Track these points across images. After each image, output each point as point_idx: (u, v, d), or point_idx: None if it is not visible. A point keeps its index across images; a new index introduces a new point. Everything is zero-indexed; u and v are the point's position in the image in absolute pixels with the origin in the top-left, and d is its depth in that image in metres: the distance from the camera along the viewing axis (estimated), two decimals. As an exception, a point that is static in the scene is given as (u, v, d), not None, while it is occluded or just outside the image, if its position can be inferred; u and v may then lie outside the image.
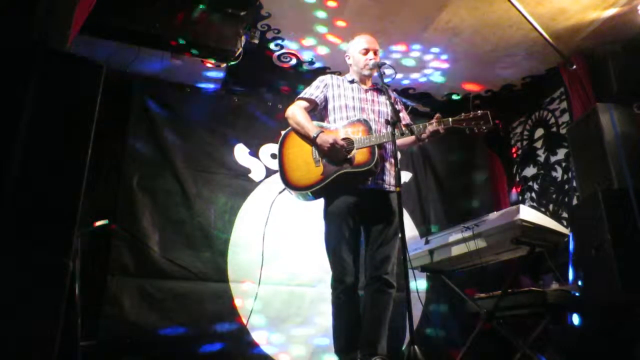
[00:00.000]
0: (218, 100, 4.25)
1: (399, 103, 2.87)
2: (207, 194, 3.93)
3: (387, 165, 2.69)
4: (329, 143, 2.55)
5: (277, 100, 4.38)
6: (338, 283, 2.55)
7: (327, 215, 2.65)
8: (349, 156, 2.56)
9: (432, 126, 2.53)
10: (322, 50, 4.15)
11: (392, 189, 2.67)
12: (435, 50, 4.15)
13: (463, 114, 2.55)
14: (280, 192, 2.75)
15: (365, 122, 2.64)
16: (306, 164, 2.63)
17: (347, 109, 2.75)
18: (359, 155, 2.56)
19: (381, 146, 2.63)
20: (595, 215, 2.90)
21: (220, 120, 4.18)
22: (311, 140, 2.63)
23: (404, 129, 2.52)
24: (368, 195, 2.61)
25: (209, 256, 3.78)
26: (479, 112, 2.54)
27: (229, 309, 3.68)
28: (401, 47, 4.13)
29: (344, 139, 2.58)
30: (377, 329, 2.48)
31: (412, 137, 2.64)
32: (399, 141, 2.52)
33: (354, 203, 2.58)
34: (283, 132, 2.79)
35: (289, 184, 2.65)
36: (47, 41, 1.60)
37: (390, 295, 2.55)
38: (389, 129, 2.44)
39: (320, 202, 2.70)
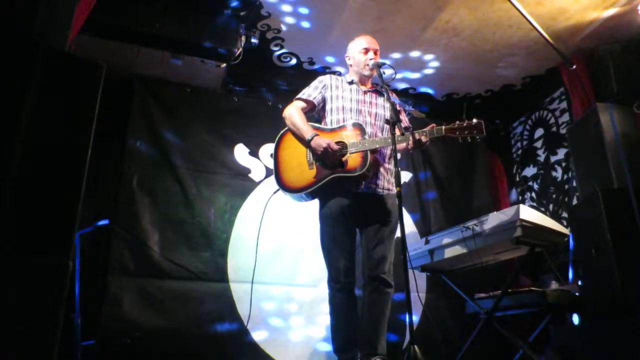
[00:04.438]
0: (218, 100, 4.25)
1: (397, 106, 2.87)
2: (207, 194, 3.93)
3: (382, 169, 2.69)
4: (322, 147, 2.55)
5: (277, 100, 4.38)
6: (334, 283, 2.57)
7: (321, 216, 2.67)
8: (342, 160, 2.56)
9: (417, 134, 2.51)
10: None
11: (386, 192, 2.67)
12: (435, 50, 4.15)
13: (457, 122, 2.53)
14: (274, 193, 2.77)
15: (360, 127, 2.63)
16: (300, 165, 2.64)
17: (345, 110, 2.75)
18: (352, 160, 2.56)
19: (375, 150, 2.62)
20: (595, 215, 2.90)
21: (220, 120, 4.18)
22: (306, 143, 2.64)
23: (403, 130, 2.52)
24: (361, 198, 2.61)
25: (209, 256, 3.78)
26: (474, 120, 2.51)
27: (229, 309, 3.68)
28: (401, 47, 4.12)
29: (337, 143, 2.58)
30: (376, 328, 2.49)
31: (404, 145, 2.62)
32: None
33: (347, 205, 2.59)
34: (280, 132, 2.79)
35: (282, 184, 2.67)
36: (47, 41, 1.60)
37: (388, 294, 2.56)
38: (385, 132, 2.43)
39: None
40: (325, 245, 2.63)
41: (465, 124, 2.50)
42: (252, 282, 2.91)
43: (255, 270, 2.95)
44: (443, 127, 2.52)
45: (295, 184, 2.62)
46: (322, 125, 2.78)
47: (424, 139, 2.50)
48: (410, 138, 2.50)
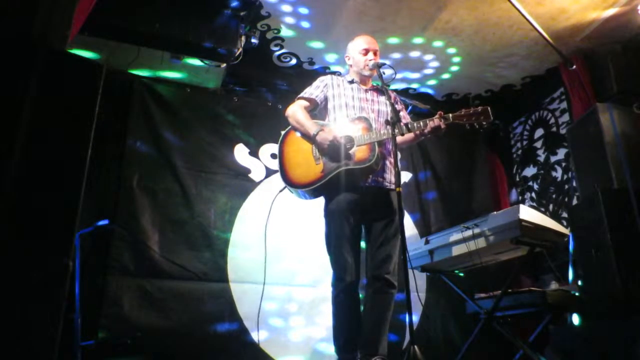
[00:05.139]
0: (218, 100, 4.25)
1: (399, 102, 2.87)
2: (207, 194, 3.93)
3: (388, 163, 2.69)
4: (328, 140, 2.55)
5: (277, 100, 4.39)
6: (339, 282, 2.54)
7: (328, 213, 2.64)
8: (349, 152, 2.56)
9: (432, 122, 2.54)
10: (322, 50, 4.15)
11: (393, 187, 2.67)
12: (435, 50, 4.15)
13: (463, 109, 2.57)
14: (280, 191, 2.75)
15: (366, 120, 2.64)
16: (306, 161, 2.63)
17: (347, 107, 2.75)
18: (359, 152, 2.56)
19: (381, 144, 2.63)
20: (595, 215, 2.90)
21: (220, 120, 4.18)
22: (311, 138, 2.63)
23: (404, 128, 2.53)
24: (369, 193, 2.61)
25: (209, 256, 3.77)
26: (479, 107, 2.55)
27: (229, 309, 3.68)
28: (401, 47, 4.12)
29: (344, 137, 2.58)
30: (378, 329, 2.48)
31: (412, 134, 2.64)
32: (399, 138, 2.52)
33: (355, 201, 2.58)
34: (283, 131, 2.79)
35: (289, 182, 2.64)
36: (47, 41, 1.60)
37: (391, 295, 2.55)
38: (389, 128, 2.44)
39: (321, 200, 2.70)
40: (331, 243, 2.60)
41: (471, 111, 2.54)
42: (264, 282, 2.91)
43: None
44: (450, 114, 2.54)
45: (303, 179, 2.61)
46: (326, 122, 2.78)
47: (443, 125, 2.52)
48: (428, 123, 2.52)
